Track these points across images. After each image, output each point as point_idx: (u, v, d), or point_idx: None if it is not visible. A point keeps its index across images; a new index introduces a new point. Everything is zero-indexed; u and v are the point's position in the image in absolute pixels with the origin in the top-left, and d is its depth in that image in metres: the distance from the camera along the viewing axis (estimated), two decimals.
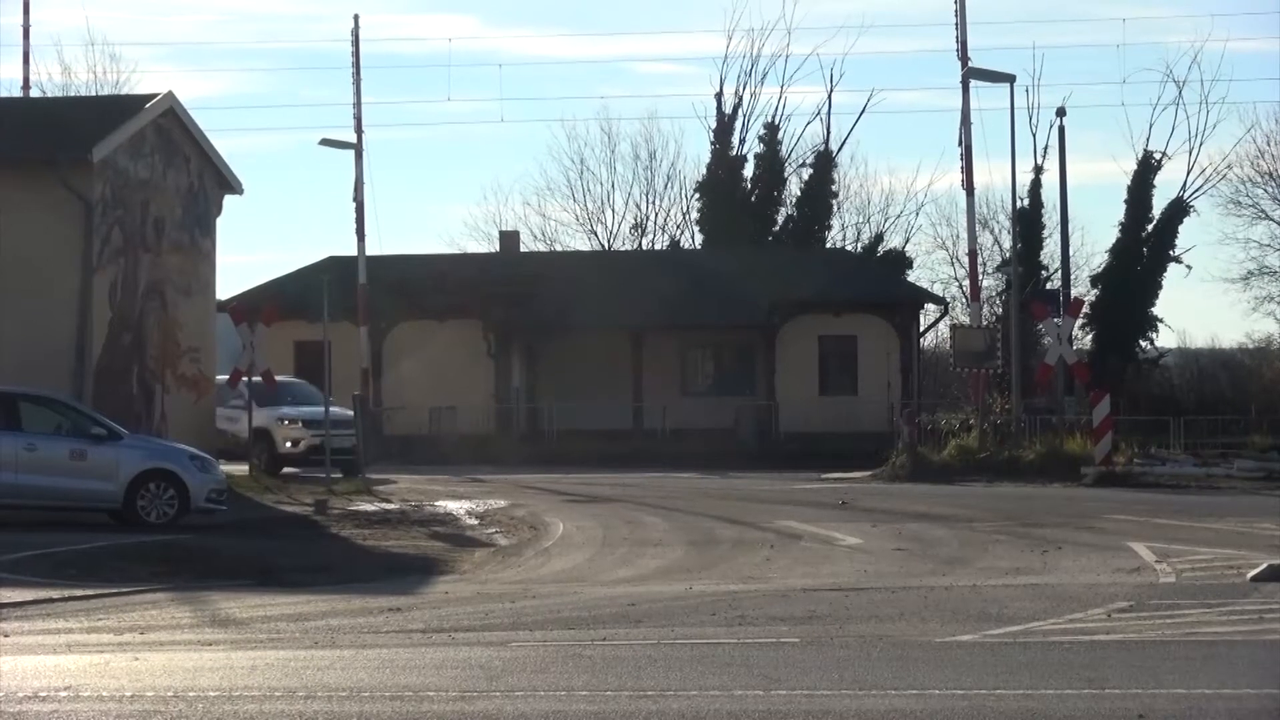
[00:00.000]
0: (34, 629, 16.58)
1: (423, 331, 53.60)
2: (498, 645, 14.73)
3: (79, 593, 19.49)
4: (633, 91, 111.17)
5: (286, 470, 40.11)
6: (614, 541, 25.22)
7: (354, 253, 48.96)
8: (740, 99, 69.78)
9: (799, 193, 68.98)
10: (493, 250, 66.39)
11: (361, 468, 38.79)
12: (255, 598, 19.02)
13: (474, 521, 28.90)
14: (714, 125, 69.51)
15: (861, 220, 72.12)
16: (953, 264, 70.76)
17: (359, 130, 48.56)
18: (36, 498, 27.18)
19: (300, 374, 51.30)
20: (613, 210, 73.85)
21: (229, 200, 37.51)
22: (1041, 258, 64.40)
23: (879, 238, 70.63)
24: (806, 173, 69.17)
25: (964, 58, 44.34)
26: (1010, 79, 43.57)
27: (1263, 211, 65.09)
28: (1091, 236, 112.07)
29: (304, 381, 44.04)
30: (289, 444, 40.72)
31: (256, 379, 37.87)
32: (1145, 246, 63.48)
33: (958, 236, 69.34)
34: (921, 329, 57.91)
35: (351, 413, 39.72)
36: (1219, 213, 74.84)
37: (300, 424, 40.63)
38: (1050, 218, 62.57)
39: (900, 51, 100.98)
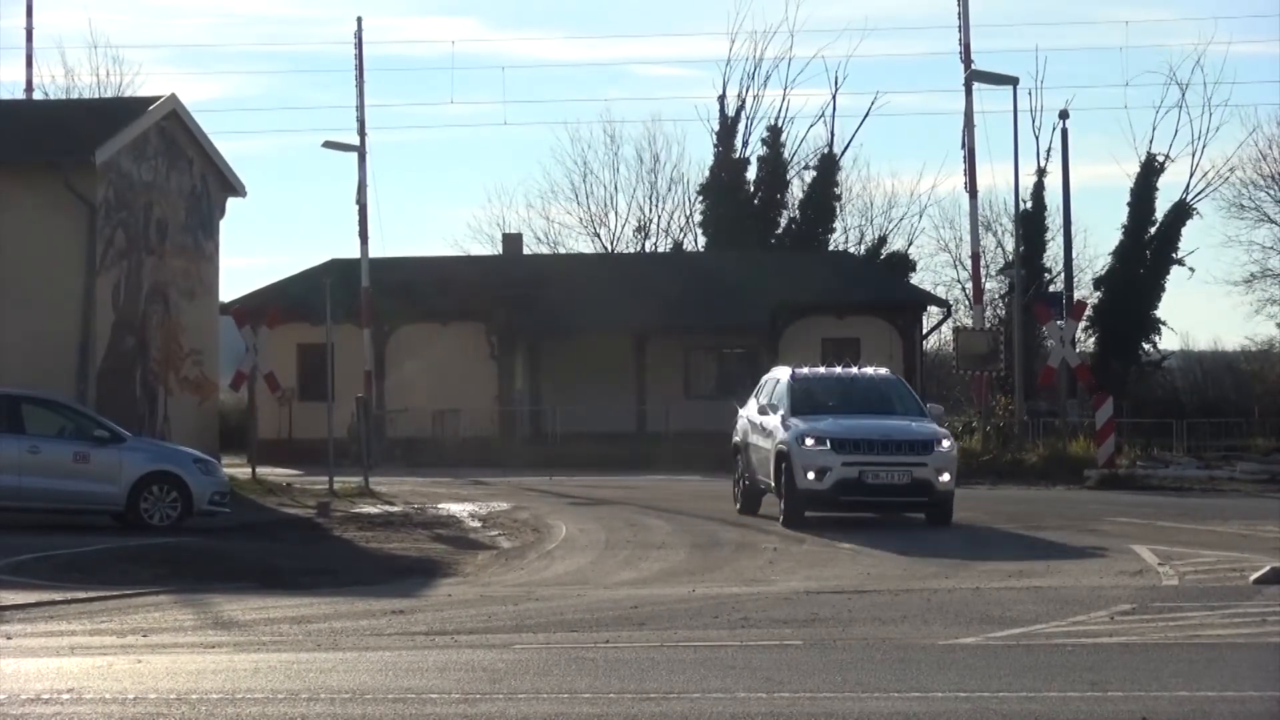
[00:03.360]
0: (37, 631, 16.58)
1: (426, 334, 53.58)
2: (501, 648, 14.73)
3: (82, 595, 19.49)
4: (636, 94, 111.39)
5: (804, 517, 27.20)
6: (617, 544, 25.21)
7: (357, 255, 48.98)
8: (743, 102, 69.80)
9: (802, 195, 68.95)
10: (496, 253, 66.43)
11: (950, 517, 27.30)
12: (258, 600, 19.02)
13: (477, 524, 28.90)
14: (717, 128, 69.54)
15: (864, 223, 72.13)
16: (956, 267, 70.79)
17: (362, 133, 48.59)
18: (39, 500, 27.20)
19: (303, 377, 51.38)
20: (616, 213, 73.90)
21: (232, 202, 37.55)
22: (1044, 260, 64.41)
23: (882, 240, 70.65)
24: (810, 175, 69.16)
25: (967, 60, 44.39)
26: (1013, 81, 43.62)
27: (1265, 215, 65.12)
28: (1094, 239, 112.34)
29: (886, 372, 30.83)
30: (811, 475, 26.88)
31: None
32: (1148, 249, 63.47)
33: (961, 239, 69.39)
34: (924, 331, 57.86)
35: (935, 429, 27.58)
36: (1222, 215, 74.92)
37: (829, 445, 27.00)
38: (1053, 220, 62.62)
39: (903, 54, 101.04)
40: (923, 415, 28.29)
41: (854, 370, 30.52)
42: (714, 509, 30.50)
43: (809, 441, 27.03)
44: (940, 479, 26.95)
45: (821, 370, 31.01)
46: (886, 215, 72.90)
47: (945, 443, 27.26)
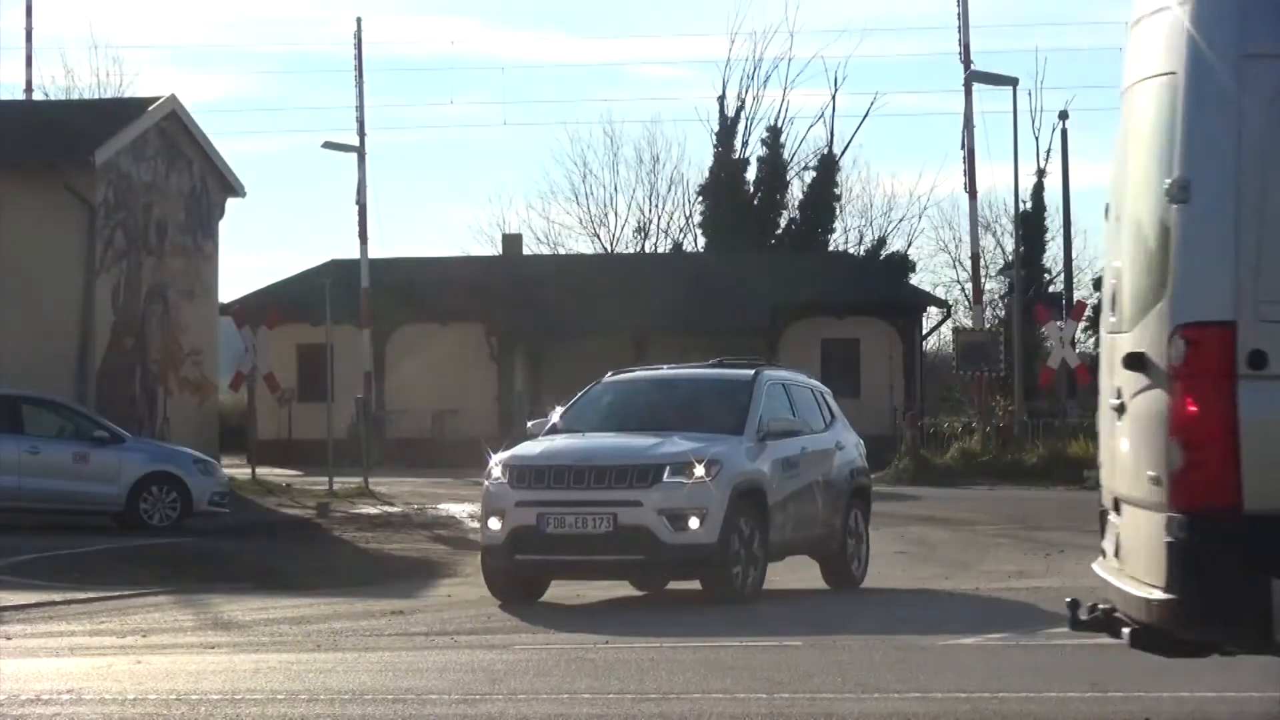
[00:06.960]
0: (36, 632, 16.57)
1: (425, 335, 53.57)
2: (500, 648, 14.71)
3: (81, 596, 19.48)
4: (635, 95, 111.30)
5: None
6: None
7: (356, 255, 48.98)
8: (743, 102, 69.88)
9: (801, 196, 69.00)
10: (496, 253, 66.43)
11: None
12: (257, 600, 19.01)
13: (477, 524, 28.85)
14: (716, 128, 69.61)
15: (864, 223, 72.14)
16: (955, 267, 70.79)
17: (361, 133, 48.61)
18: (39, 501, 27.21)
19: (302, 378, 51.29)
20: (616, 213, 73.93)
21: (232, 203, 37.55)
22: (1044, 261, 64.42)
23: (881, 241, 70.67)
24: (809, 176, 69.23)
25: (967, 61, 44.40)
26: (1013, 82, 43.62)
27: None
28: (1094, 239, 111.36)
29: (754, 373, 19.74)
30: (493, 522, 18.36)
31: None
32: None
33: (960, 240, 69.36)
34: (924, 332, 57.87)
35: (702, 449, 17.69)
36: None
37: (506, 476, 18.25)
38: (1053, 221, 62.67)
39: (903, 55, 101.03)
40: (739, 432, 18.27)
41: (687, 371, 21.65)
42: None
43: (495, 472, 18.33)
44: (678, 525, 17.26)
45: (643, 372, 21.86)
46: (886, 216, 73.04)
47: (699, 468, 17.36)
